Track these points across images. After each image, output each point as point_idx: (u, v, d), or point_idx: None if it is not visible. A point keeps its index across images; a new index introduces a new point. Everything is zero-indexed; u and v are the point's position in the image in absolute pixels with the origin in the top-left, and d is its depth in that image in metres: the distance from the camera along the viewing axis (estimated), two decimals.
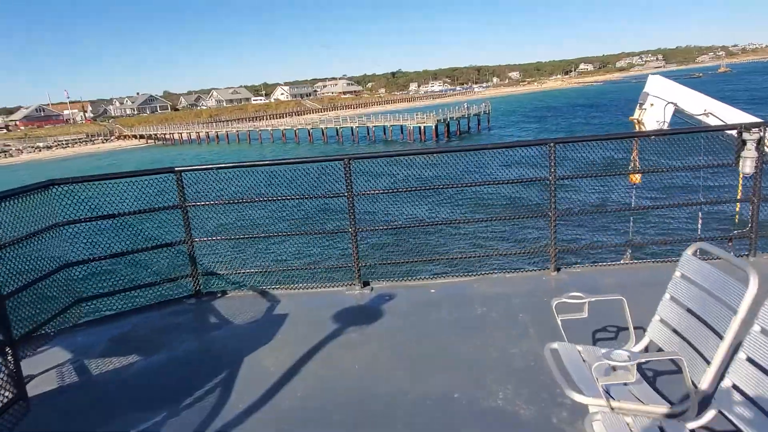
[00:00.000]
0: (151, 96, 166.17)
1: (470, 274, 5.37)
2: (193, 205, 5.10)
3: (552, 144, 4.93)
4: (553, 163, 4.97)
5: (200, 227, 5.18)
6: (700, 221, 7.60)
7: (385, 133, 77.61)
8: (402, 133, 75.72)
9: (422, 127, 70.85)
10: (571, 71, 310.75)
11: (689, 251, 2.82)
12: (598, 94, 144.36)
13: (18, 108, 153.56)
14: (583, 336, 3.70)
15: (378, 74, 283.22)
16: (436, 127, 70.05)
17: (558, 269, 5.29)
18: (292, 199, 5.23)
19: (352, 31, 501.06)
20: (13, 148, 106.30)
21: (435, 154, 5.42)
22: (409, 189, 5.15)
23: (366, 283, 5.32)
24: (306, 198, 5.24)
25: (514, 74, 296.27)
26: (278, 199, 5.23)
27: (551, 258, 5.23)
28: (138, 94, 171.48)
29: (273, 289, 5.38)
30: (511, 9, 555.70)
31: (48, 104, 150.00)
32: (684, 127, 7.61)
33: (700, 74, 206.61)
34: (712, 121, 7.34)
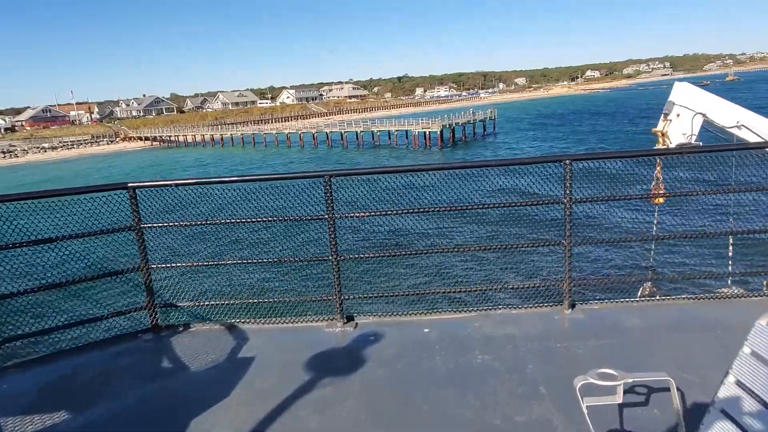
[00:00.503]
0: (158, 98, 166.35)
1: (470, 309, 4.64)
2: (149, 227, 4.40)
3: (568, 161, 4.20)
4: (568, 184, 4.25)
5: (158, 252, 4.48)
6: (731, 250, 6.83)
7: (389, 138, 76.97)
8: (407, 138, 75.01)
9: (427, 133, 70.14)
10: (577, 78, 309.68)
11: (764, 321, 2.08)
12: (605, 102, 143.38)
13: (26, 108, 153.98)
14: (610, 417, 2.93)
15: (384, 79, 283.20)
16: (441, 132, 69.34)
17: (573, 305, 4.55)
18: (265, 221, 4.52)
19: (359, 35, 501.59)
20: (18, 149, 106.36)
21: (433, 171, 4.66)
22: (400, 212, 4.41)
23: (350, 318, 4.60)
24: (281, 220, 4.52)
25: (521, 80, 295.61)
26: (249, 222, 4.53)
27: (565, 293, 4.50)
28: (144, 96, 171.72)
29: (243, 323, 4.66)
30: (518, 15, 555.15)
31: (55, 105, 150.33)
32: (716, 144, 6.82)
33: (708, 82, 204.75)
34: (745, 135, 6.60)
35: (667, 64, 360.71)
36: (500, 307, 4.63)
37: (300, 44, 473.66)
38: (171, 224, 4.43)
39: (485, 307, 4.64)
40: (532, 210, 4.71)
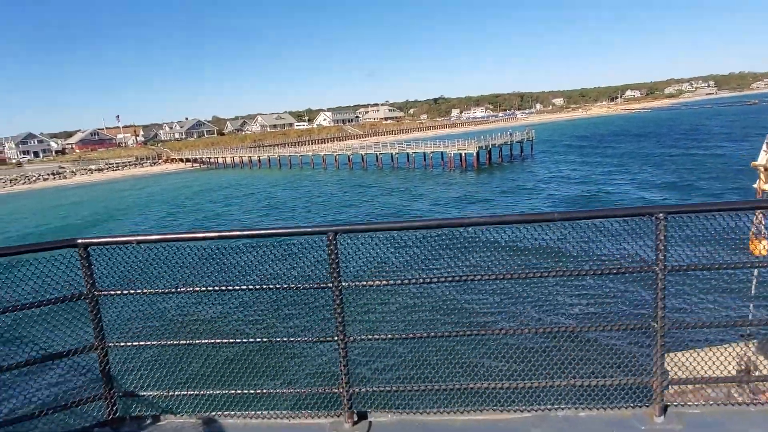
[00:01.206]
0: (199, 121, 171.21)
1: (521, 407, 3.46)
2: (107, 295, 3.45)
3: (661, 215, 3.03)
4: (662, 246, 3.07)
5: (119, 326, 3.52)
6: None
7: (425, 160, 76.01)
8: (442, 159, 73.91)
9: (463, 154, 68.89)
10: (617, 97, 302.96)
11: None
12: (647, 122, 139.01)
13: (77, 132, 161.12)
14: None
15: (420, 100, 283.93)
16: (478, 154, 67.95)
17: (665, 408, 3.32)
18: (253, 289, 3.50)
19: (396, 58, 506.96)
20: (68, 170, 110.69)
21: (471, 226, 3.49)
22: (429, 280, 3.30)
23: (361, 416, 3.50)
24: (273, 289, 3.49)
25: (558, 100, 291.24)
26: (232, 290, 3.52)
27: (655, 392, 3.27)
28: (186, 119, 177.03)
29: (224, 416, 3.62)
30: (554, 35, 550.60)
31: (103, 128, 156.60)
32: None
33: (756, 101, 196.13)
34: None
35: (712, 83, 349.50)
36: (563, 406, 3.42)
37: (338, 67, 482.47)
38: (133, 292, 3.46)
39: (542, 407, 3.45)
40: (603, 276, 3.48)
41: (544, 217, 3.22)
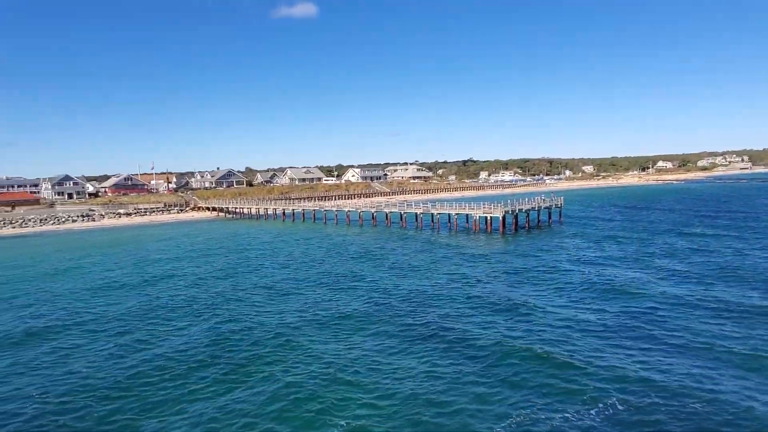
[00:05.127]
0: (230, 171, 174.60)
1: None
2: None
3: None
4: None
5: None
6: None
7: (449, 221, 74.23)
8: (467, 222, 71.96)
9: (488, 218, 66.85)
10: (648, 167, 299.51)
11: None
12: (681, 194, 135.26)
13: (113, 176, 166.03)
14: None
15: (449, 162, 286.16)
16: (504, 218, 65.88)
17: None
18: None
19: (428, 118, 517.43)
20: (96, 213, 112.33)
21: None
22: None
23: None
24: None
25: (588, 168, 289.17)
26: None
27: None
28: (218, 168, 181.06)
29: None
30: (588, 103, 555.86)
31: (137, 174, 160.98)
32: None
33: None
34: None
35: (746, 157, 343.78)
36: None
37: (370, 126, 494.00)
38: None
39: None
40: None
41: None
